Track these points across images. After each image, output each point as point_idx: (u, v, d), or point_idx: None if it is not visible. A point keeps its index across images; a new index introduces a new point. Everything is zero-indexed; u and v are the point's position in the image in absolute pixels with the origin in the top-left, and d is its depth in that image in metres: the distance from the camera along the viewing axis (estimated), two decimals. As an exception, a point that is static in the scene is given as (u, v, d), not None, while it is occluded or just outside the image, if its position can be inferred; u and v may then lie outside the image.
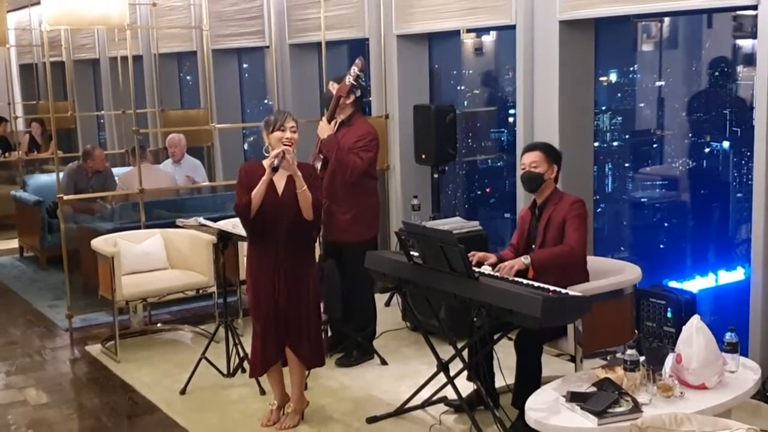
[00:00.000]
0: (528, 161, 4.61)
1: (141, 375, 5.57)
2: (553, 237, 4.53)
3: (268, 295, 4.50)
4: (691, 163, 6.82)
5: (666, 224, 7.02)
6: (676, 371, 3.80)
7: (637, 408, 3.54)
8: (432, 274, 4.38)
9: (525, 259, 4.44)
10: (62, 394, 5.39)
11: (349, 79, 5.24)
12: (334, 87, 5.37)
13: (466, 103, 8.45)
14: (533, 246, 4.64)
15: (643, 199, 7.12)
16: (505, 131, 7.92)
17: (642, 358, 3.81)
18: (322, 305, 5.58)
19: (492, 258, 4.64)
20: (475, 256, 4.58)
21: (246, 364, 5.31)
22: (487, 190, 8.30)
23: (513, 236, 4.91)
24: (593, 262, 4.83)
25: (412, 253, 4.54)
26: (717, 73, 6.40)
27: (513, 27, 6.12)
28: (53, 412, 5.08)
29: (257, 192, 4.38)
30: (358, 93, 5.32)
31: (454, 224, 5.97)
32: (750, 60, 6.10)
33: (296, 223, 4.44)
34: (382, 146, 6.49)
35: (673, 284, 6.33)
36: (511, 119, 7.33)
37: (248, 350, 5.34)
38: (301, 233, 4.48)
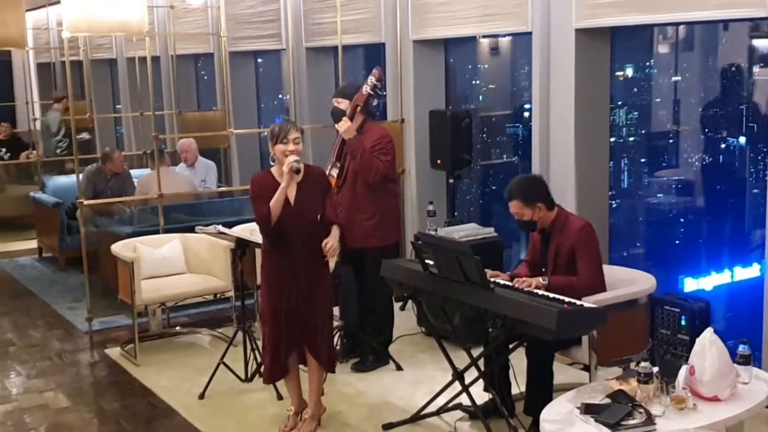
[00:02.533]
0: (512, 211, 4.63)
1: (160, 379, 5.65)
2: (564, 264, 4.53)
3: (286, 302, 4.55)
4: (707, 158, 6.83)
5: (682, 220, 7.03)
6: (690, 383, 3.84)
7: (650, 420, 3.58)
8: (447, 283, 4.42)
9: (543, 280, 4.46)
10: (82, 398, 5.48)
11: (366, 89, 5.28)
12: (340, 102, 5.42)
13: (481, 98, 8.48)
14: (543, 270, 4.66)
15: (658, 195, 7.14)
16: (520, 126, 7.95)
17: (655, 370, 3.85)
18: (338, 312, 5.66)
19: (504, 278, 4.67)
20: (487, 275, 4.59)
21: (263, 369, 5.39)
22: (503, 186, 8.33)
23: (527, 253, 4.93)
24: (608, 271, 4.85)
25: (427, 262, 4.59)
26: (734, 69, 6.42)
27: (529, 34, 6.15)
28: (73, 416, 5.16)
29: (276, 200, 4.43)
30: (375, 102, 5.37)
31: (469, 231, 6.02)
32: (766, 59, 6.14)
33: (311, 231, 4.52)
34: (398, 151, 6.53)
35: (688, 281, 6.35)
36: (526, 114, 7.35)
37: (264, 355, 5.46)
38: (316, 241, 4.53)
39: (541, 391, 4.30)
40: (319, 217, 4.57)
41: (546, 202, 4.60)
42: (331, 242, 4.52)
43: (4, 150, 11.42)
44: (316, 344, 4.63)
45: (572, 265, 4.52)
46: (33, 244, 9.50)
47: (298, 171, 4.41)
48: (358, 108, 5.33)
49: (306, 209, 4.49)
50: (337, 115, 5.41)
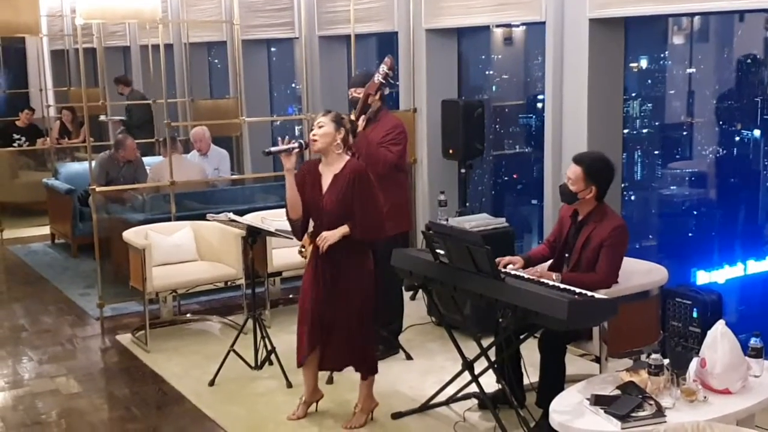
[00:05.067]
0: (568, 174, 4.52)
1: (170, 365, 5.67)
2: (588, 259, 4.47)
3: (312, 291, 4.54)
4: (721, 150, 6.80)
5: (695, 212, 7.01)
6: (700, 375, 3.82)
7: (660, 412, 3.57)
8: (458, 273, 4.41)
9: (556, 278, 4.41)
10: (93, 384, 5.50)
11: (377, 78, 5.26)
12: (357, 92, 5.40)
13: (494, 88, 8.45)
14: (567, 255, 4.63)
15: (672, 187, 7.11)
16: (534, 116, 7.92)
17: (666, 362, 3.83)
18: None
19: (519, 262, 4.66)
20: (501, 262, 4.58)
21: (273, 357, 5.40)
22: (514, 176, 8.33)
23: (551, 233, 4.89)
24: (620, 262, 4.82)
25: (438, 251, 4.57)
26: (749, 60, 6.38)
27: (543, 24, 6.12)
28: (84, 402, 5.18)
29: (287, 189, 4.45)
30: (387, 91, 5.34)
31: (480, 221, 6.00)
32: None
33: (333, 224, 4.42)
34: (410, 140, 6.50)
35: (701, 273, 6.32)
36: (539, 104, 7.33)
37: (276, 343, 5.46)
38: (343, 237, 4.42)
39: (554, 385, 4.28)
40: (345, 212, 4.42)
41: (601, 189, 4.49)
42: (327, 234, 4.39)
43: (23, 138, 11.45)
44: (339, 348, 4.56)
45: (596, 259, 4.45)
46: (46, 230, 9.54)
47: (288, 151, 4.43)
48: (370, 97, 5.31)
49: (330, 201, 4.42)
50: (353, 104, 5.39)
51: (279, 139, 4.60)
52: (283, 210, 6.51)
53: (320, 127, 4.43)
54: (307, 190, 4.49)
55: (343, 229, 4.40)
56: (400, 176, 5.55)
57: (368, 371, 4.68)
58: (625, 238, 4.50)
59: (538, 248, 4.90)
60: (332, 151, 4.45)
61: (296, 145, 4.49)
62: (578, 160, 4.54)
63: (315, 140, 4.42)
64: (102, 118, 10.76)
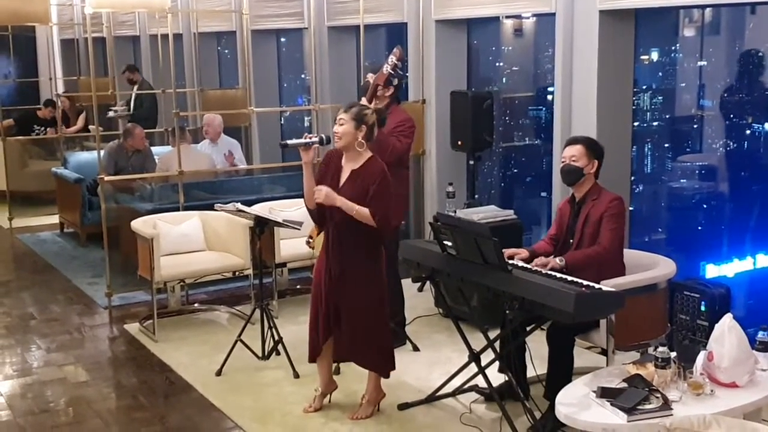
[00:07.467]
0: (568, 155, 4.60)
1: (178, 355, 5.68)
2: (590, 234, 4.53)
3: (320, 285, 4.54)
4: (731, 144, 6.76)
5: (704, 206, 6.98)
6: (707, 369, 3.81)
7: (666, 405, 3.56)
8: (465, 265, 4.41)
9: (560, 261, 4.45)
10: (101, 372, 5.52)
11: (386, 68, 5.23)
12: (372, 78, 5.38)
13: (504, 79, 8.43)
14: (571, 241, 4.65)
15: (682, 180, 7.08)
16: (543, 109, 7.90)
17: (673, 355, 3.82)
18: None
19: (523, 253, 4.66)
20: (505, 252, 4.58)
21: (280, 348, 5.41)
22: (524, 168, 8.31)
23: (551, 227, 4.91)
24: (628, 255, 4.81)
25: (445, 243, 4.57)
26: (761, 53, 6.34)
27: (553, 15, 6.09)
28: (92, 390, 5.20)
29: (304, 181, 4.44)
30: (395, 82, 5.32)
31: (489, 213, 5.99)
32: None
33: (347, 219, 4.38)
34: (419, 131, 6.48)
35: (710, 267, 6.30)
36: (549, 96, 7.30)
37: (283, 333, 5.47)
38: (353, 230, 4.39)
39: (561, 377, 4.28)
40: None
41: (600, 164, 4.64)
42: (335, 196, 4.33)
43: (43, 127, 11.47)
44: (350, 343, 4.55)
45: (598, 235, 4.51)
46: (55, 219, 9.57)
47: (307, 145, 4.40)
48: (379, 87, 5.29)
49: (344, 196, 4.36)
50: (365, 91, 5.39)
51: (306, 134, 4.56)
52: (291, 201, 6.64)
53: (341, 124, 4.39)
54: (326, 180, 4.47)
55: (357, 207, 4.31)
56: (402, 172, 5.48)
57: (377, 370, 4.66)
58: (622, 209, 4.60)
59: (541, 243, 4.89)
60: (354, 148, 4.42)
61: (316, 139, 4.46)
62: (574, 140, 4.73)
63: (338, 138, 4.40)
64: (110, 114, 10.75)
